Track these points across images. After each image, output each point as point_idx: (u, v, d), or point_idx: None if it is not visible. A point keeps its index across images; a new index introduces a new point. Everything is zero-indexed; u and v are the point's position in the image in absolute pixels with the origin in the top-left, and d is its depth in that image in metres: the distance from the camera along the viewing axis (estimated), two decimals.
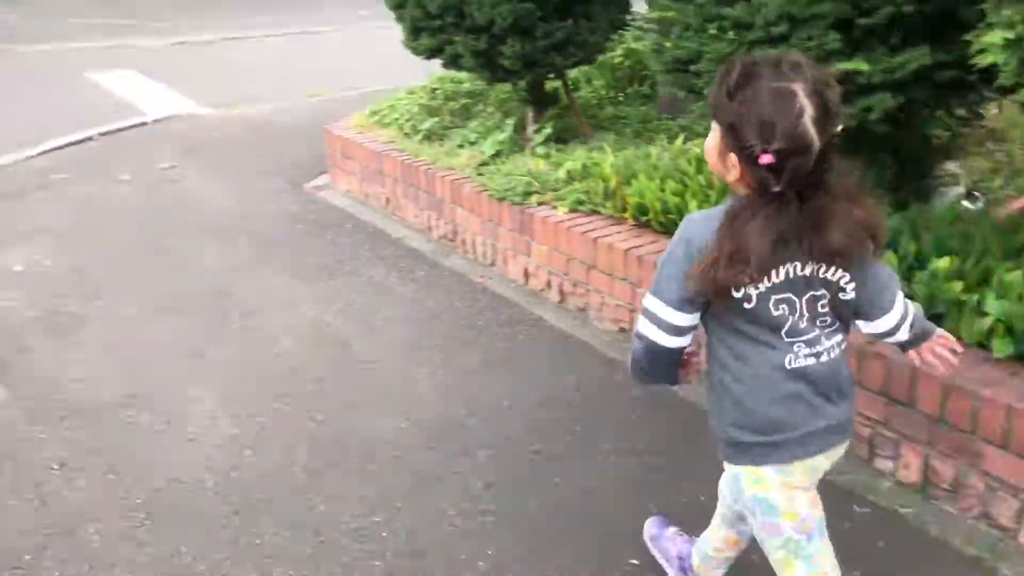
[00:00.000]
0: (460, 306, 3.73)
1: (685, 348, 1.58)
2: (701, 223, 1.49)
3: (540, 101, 4.71)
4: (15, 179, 5.77)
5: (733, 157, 1.42)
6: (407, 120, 5.02)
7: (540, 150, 4.24)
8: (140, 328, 3.58)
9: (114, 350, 3.40)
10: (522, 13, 4.03)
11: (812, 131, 1.34)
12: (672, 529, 2.19)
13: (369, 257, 4.26)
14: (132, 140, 6.79)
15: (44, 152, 6.54)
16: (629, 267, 3.25)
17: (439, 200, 4.32)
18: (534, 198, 3.81)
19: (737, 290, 1.45)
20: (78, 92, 9.29)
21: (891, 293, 1.62)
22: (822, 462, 1.60)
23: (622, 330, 3.37)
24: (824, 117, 1.36)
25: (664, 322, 1.53)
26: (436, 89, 5.55)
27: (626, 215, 3.48)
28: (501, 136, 4.38)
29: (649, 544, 2.23)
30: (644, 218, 3.42)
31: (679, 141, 4.07)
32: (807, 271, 1.48)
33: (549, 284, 3.73)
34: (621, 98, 5.39)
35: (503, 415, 2.89)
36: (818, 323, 1.53)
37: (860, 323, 1.66)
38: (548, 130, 4.43)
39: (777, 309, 1.50)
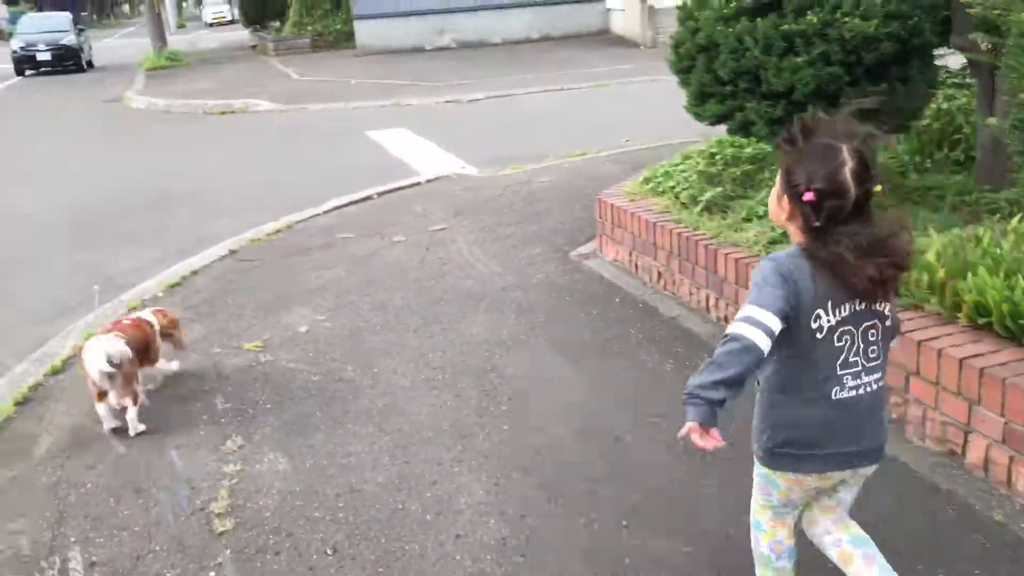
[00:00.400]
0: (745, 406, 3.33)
1: (764, 356, 1.74)
2: (784, 260, 1.79)
3: None
4: (305, 236, 6.16)
5: (786, 199, 1.77)
6: (684, 189, 4.73)
7: None
8: (412, 403, 3.54)
9: (387, 425, 3.37)
10: (826, 78, 3.63)
11: (850, 180, 1.67)
12: None
13: (640, 339, 3.99)
14: (407, 200, 7.07)
15: (330, 210, 6.97)
16: (965, 380, 2.71)
17: (720, 279, 3.97)
18: None
19: (814, 311, 1.75)
20: (359, 150, 10.00)
21: (897, 324, 1.93)
22: (840, 475, 1.91)
23: (952, 453, 2.81)
24: (862, 171, 1.68)
25: (764, 325, 1.72)
26: (715, 154, 5.20)
27: (959, 315, 2.93)
28: None
29: None
30: (983, 320, 2.86)
31: (1016, 221, 3.44)
32: (863, 305, 1.78)
33: None
34: (928, 165, 4.76)
35: (803, 543, 2.46)
36: (869, 354, 1.81)
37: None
38: None
39: (840, 341, 1.78)
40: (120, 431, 3.46)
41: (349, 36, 21.79)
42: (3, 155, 11.30)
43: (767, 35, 3.69)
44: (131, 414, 3.45)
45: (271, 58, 21.85)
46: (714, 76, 4.01)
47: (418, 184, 7.69)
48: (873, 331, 1.83)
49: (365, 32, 20.81)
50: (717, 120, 4.20)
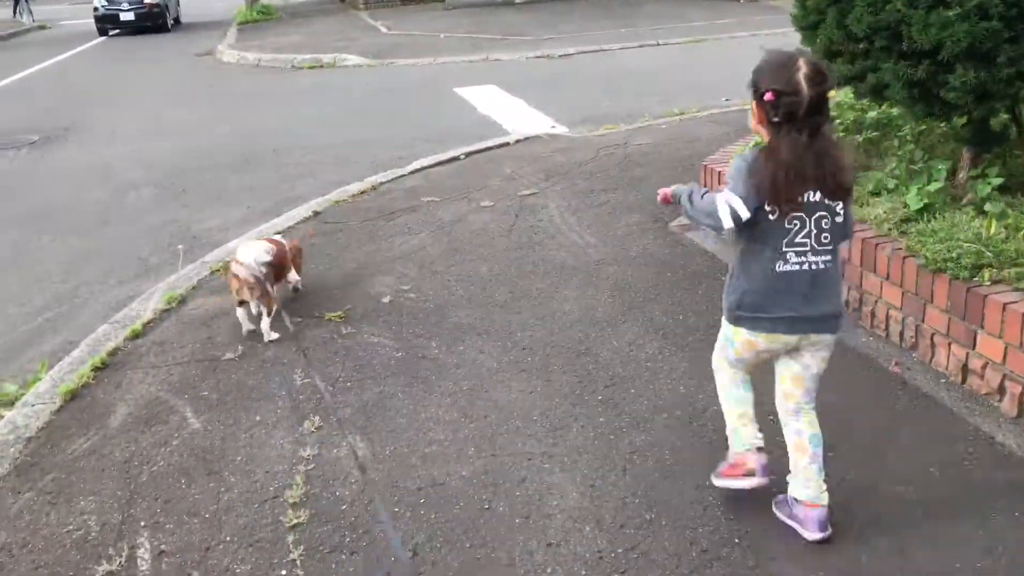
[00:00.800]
0: (871, 403, 2.96)
1: (721, 230, 2.19)
2: (751, 157, 2.16)
3: (982, 140, 3.74)
4: (390, 199, 5.94)
5: (754, 104, 2.14)
6: None
7: (989, 206, 3.30)
8: (499, 386, 3.28)
9: (472, 411, 3.12)
10: (982, 34, 3.13)
11: (803, 83, 2.05)
12: None
13: None
14: (495, 161, 6.77)
15: (415, 171, 6.74)
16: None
17: (843, 260, 3.55)
18: (987, 273, 2.92)
19: (768, 205, 2.12)
20: (446, 107, 9.72)
21: (851, 222, 2.31)
22: (790, 340, 2.28)
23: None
24: (815, 76, 2.07)
25: (735, 212, 2.12)
26: (835, 118, 4.74)
27: None
28: (932, 185, 3.50)
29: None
30: None
31: None
32: (818, 197, 2.14)
33: (1002, 390, 2.83)
34: None
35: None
36: (822, 239, 2.18)
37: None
38: (996, 179, 3.47)
39: (790, 224, 2.16)
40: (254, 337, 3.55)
41: None
42: (92, 111, 11.45)
43: None
44: (265, 323, 3.86)
45: (360, 11, 21.71)
46: (846, 32, 3.54)
47: (507, 144, 7.37)
48: (825, 221, 2.18)
49: None
50: (845, 82, 3.74)
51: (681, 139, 6.97)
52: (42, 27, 26.66)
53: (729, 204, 2.13)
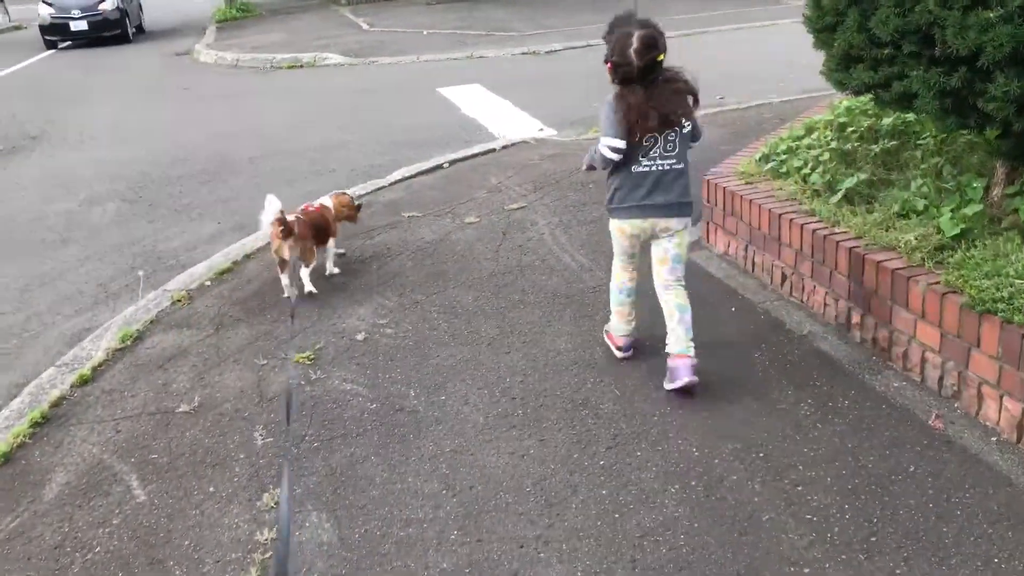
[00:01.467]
0: (913, 470, 2.58)
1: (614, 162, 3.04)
2: (612, 102, 2.96)
3: (1018, 153, 3.36)
4: (369, 214, 5.53)
5: (608, 66, 2.95)
6: (813, 169, 3.91)
7: None
8: (486, 447, 2.89)
9: (456, 480, 2.73)
10: None
11: (634, 56, 2.81)
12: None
13: (767, 365, 3.24)
14: (481, 170, 6.37)
15: (396, 182, 6.34)
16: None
17: (869, 292, 3.18)
18: None
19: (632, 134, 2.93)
20: (430, 108, 9.31)
21: (699, 130, 3.12)
22: (644, 225, 3.09)
23: None
24: (643, 49, 2.80)
25: (616, 147, 2.96)
26: (845, 125, 4.37)
27: None
28: (968, 208, 3.12)
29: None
30: None
31: None
32: (663, 123, 2.93)
33: None
34: None
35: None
36: (667, 148, 2.99)
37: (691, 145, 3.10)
38: None
39: (646, 142, 2.97)
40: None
41: None
42: (64, 116, 10.98)
43: None
44: (305, 274, 4.16)
45: (342, 7, 21.21)
46: (868, 36, 3.16)
47: (492, 151, 6.97)
48: (671, 135, 2.98)
49: None
50: (866, 89, 3.35)
51: None
52: (18, 27, 26.04)
53: (609, 146, 2.98)
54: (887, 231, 3.26)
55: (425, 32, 15.27)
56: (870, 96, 3.52)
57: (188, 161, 7.88)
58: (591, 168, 3.23)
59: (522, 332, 3.67)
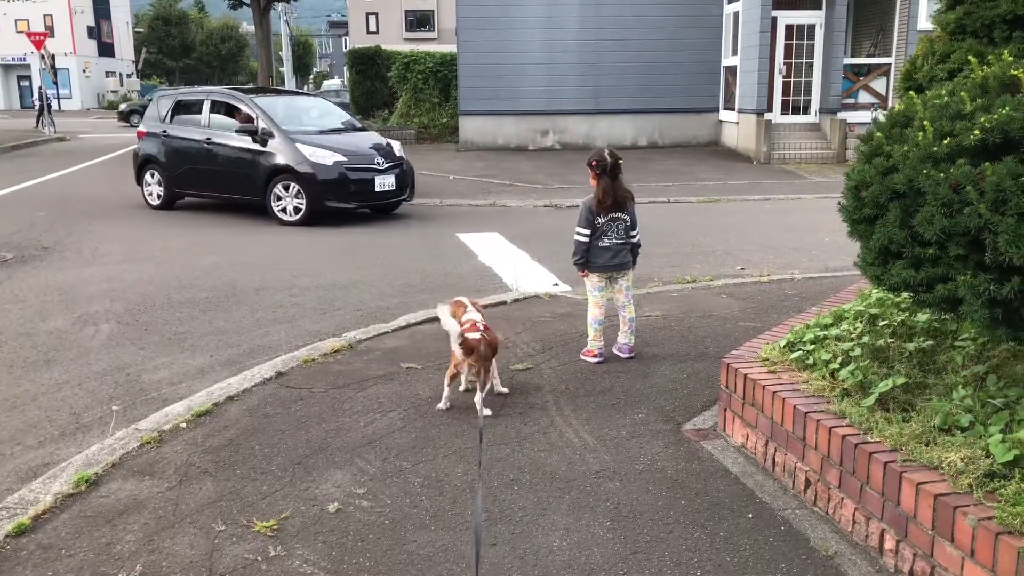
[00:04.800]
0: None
1: (587, 243, 5.13)
2: (588, 201, 5.13)
3: None
4: (365, 362, 5.26)
5: (590, 172, 5.13)
6: (842, 365, 3.61)
7: None
8: None
9: None
10: None
11: (608, 159, 5.00)
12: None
13: None
14: (489, 322, 6.10)
15: (400, 328, 6.09)
16: None
17: (906, 516, 2.80)
18: None
19: (596, 217, 5.06)
20: (446, 252, 9.22)
21: (637, 222, 5.24)
22: (606, 273, 5.22)
23: None
24: (613, 159, 5.01)
25: (586, 234, 5.11)
26: (876, 317, 4.10)
27: None
28: (1022, 431, 2.78)
29: None
30: None
31: None
32: (616, 212, 5.09)
33: None
34: None
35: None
36: (618, 231, 5.13)
37: (632, 233, 5.19)
38: None
39: (607, 225, 5.11)
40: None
41: (454, 130, 21.61)
42: (80, 228, 11.01)
43: (1001, 186, 2.61)
44: (479, 398, 4.19)
45: None
46: (911, 233, 2.93)
47: (504, 303, 6.76)
48: (620, 223, 5.13)
49: (469, 128, 20.55)
50: (905, 288, 3.10)
51: (694, 312, 6.34)
52: (61, 139, 26.96)
53: (580, 234, 5.12)
54: (927, 446, 2.91)
55: (451, 177, 15.52)
56: (908, 295, 3.26)
57: (194, 287, 7.73)
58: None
59: (512, 519, 3.28)
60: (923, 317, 3.95)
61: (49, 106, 29.35)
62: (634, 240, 5.17)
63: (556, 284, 7.69)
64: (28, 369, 5.55)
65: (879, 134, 3.16)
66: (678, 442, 3.96)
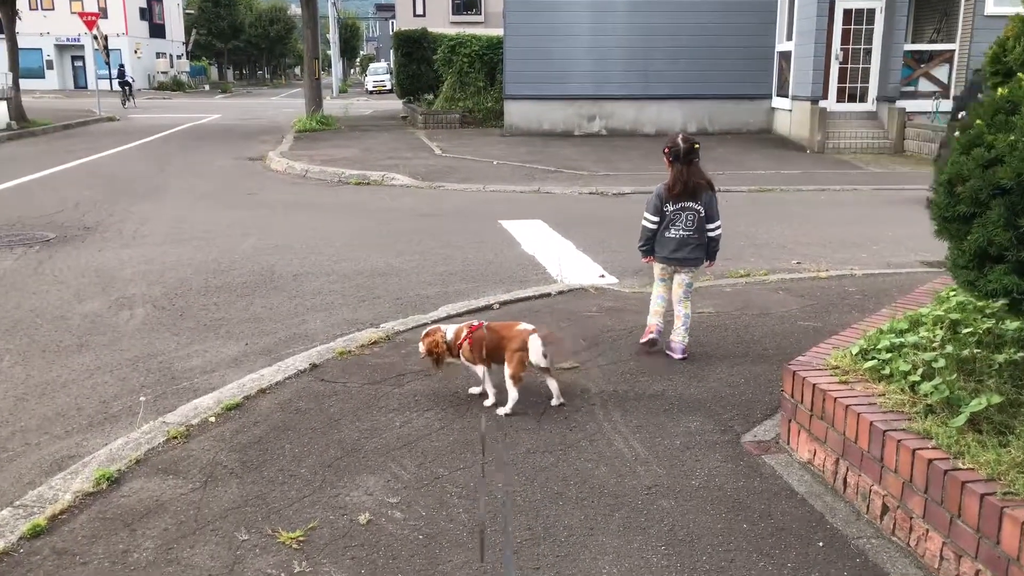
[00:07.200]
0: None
1: (655, 230, 4.90)
2: (658, 188, 4.87)
3: None
4: (403, 355, 5.02)
5: (665, 159, 4.85)
6: (924, 378, 3.26)
7: None
8: None
9: None
10: None
11: (681, 144, 4.70)
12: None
13: None
14: (533, 316, 5.81)
15: (439, 320, 5.83)
16: None
17: (1007, 558, 2.47)
18: None
19: (665, 204, 4.81)
20: (489, 240, 8.95)
21: (717, 215, 4.86)
22: (668, 266, 4.96)
23: None
24: (685, 142, 4.72)
25: (654, 221, 4.87)
26: (958, 323, 3.73)
27: None
28: None
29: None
30: None
31: None
32: (688, 201, 4.78)
33: None
34: None
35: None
36: (687, 221, 4.80)
37: (707, 226, 4.85)
38: None
39: (676, 214, 4.80)
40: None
41: (499, 115, 21.29)
42: (122, 209, 10.96)
43: None
44: (487, 400, 4.25)
45: (418, 130, 21.61)
46: (1017, 234, 2.58)
47: (548, 295, 6.47)
48: (691, 214, 4.81)
49: (515, 112, 20.21)
50: (1006, 295, 2.75)
51: (749, 310, 6.00)
52: (111, 119, 27.22)
53: (647, 220, 4.91)
54: None
55: (495, 163, 15.23)
56: (1004, 302, 2.91)
57: (232, 271, 7.58)
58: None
59: (557, 539, 3.01)
60: (1013, 325, 3.58)
61: (131, 84, 31.88)
62: (711, 234, 4.86)
63: (602, 276, 7.39)
64: (61, 354, 5.42)
65: (979, 122, 2.80)
66: (737, 456, 3.65)
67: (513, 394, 4.12)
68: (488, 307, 6.15)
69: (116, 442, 3.95)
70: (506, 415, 4.09)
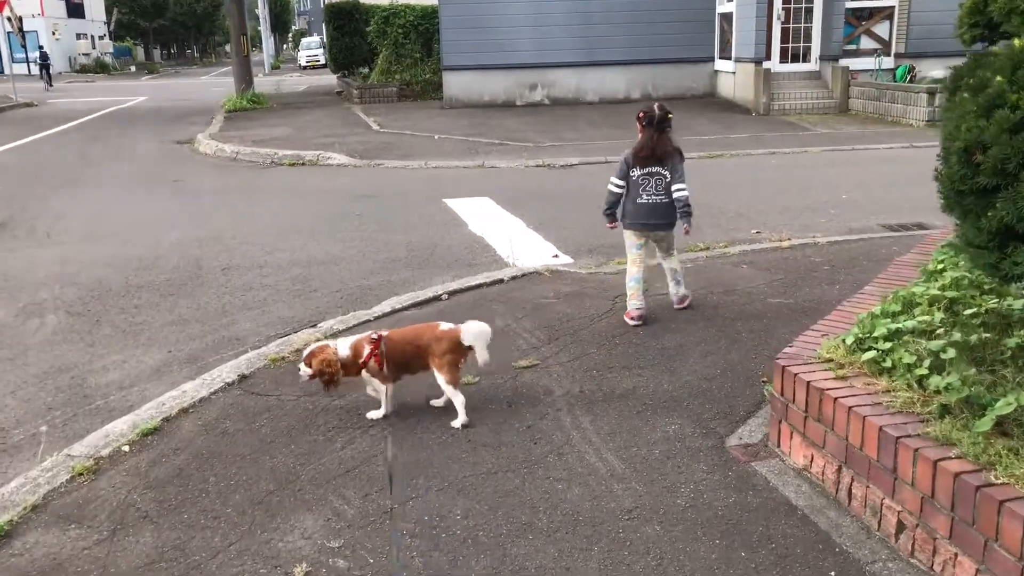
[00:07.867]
0: None
1: (620, 195, 4.97)
2: (625, 153, 4.93)
3: None
4: None
5: (637, 124, 4.96)
6: (931, 370, 2.89)
7: None
8: None
9: None
10: None
11: (657, 111, 4.82)
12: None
13: None
14: (485, 306, 5.38)
15: (384, 315, 5.35)
16: None
17: None
18: None
19: (632, 170, 4.87)
20: (434, 221, 8.44)
21: (682, 177, 4.85)
22: (644, 232, 4.98)
23: None
24: (662, 112, 4.83)
25: (619, 184, 4.93)
26: (956, 301, 3.38)
27: None
28: None
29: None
30: None
31: None
32: (655, 167, 4.84)
33: None
34: None
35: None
36: (656, 187, 4.86)
37: (672, 187, 4.84)
38: None
39: (641, 181, 4.87)
40: None
41: (437, 87, 20.59)
42: (38, 204, 10.14)
43: None
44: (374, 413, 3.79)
45: (355, 105, 20.81)
46: None
47: (500, 282, 6.01)
48: (659, 179, 4.86)
49: (454, 84, 19.55)
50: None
51: (714, 288, 5.62)
52: (28, 104, 25.79)
53: (613, 184, 4.97)
54: None
55: (436, 137, 14.63)
56: (1020, 286, 2.54)
57: (155, 268, 6.96)
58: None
59: (531, 567, 2.58)
60: (1019, 304, 3.23)
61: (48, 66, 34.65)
62: (676, 194, 4.85)
63: (556, 256, 6.96)
64: None
65: (999, 79, 2.40)
66: (724, 464, 3.25)
67: (459, 398, 3.66)
68: (436, 298, 5.67)
69: (11, 484, 3.41)
70: (463, 426, 3.64)
